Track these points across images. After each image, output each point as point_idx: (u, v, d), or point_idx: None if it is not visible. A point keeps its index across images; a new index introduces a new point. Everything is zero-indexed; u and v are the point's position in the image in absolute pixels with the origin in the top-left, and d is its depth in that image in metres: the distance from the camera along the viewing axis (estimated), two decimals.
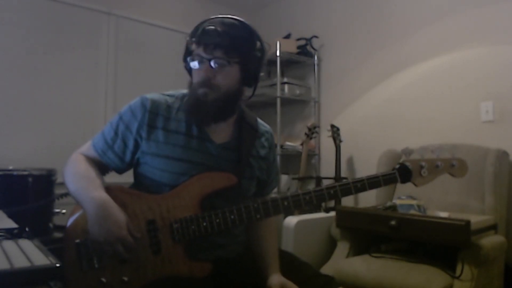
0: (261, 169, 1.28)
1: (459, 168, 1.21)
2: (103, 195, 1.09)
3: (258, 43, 1.17)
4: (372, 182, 1.15)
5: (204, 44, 1.10)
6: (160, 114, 1.17)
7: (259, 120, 1.33)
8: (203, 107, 1.12)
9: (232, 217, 1.12)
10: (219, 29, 1.10)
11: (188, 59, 1.14)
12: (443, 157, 1.20)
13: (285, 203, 1.13)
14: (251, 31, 1.16)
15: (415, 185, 1.19)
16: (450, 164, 1.20)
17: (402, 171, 1.17)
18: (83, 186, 1.12)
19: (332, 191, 1.14)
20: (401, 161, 1.19)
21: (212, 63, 1.10)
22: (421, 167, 1.18)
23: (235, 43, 1.11)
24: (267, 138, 1.32)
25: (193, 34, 1.13)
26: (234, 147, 1.22)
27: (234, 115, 1.22)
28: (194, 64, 1.13)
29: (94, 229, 1.05)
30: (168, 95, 1.22)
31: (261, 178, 1.29)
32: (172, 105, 1.19)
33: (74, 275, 1.10)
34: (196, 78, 1.13)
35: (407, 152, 1.19)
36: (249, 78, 1.17)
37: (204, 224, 1.11)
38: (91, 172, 1.16)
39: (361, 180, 1.15)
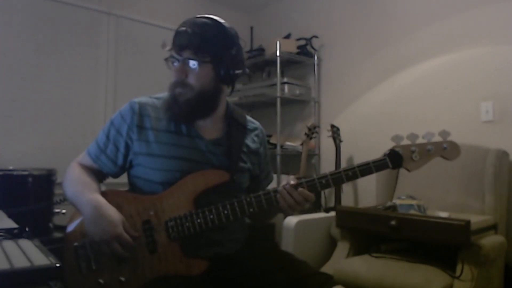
0: (253, 164, 1.31)
1: (451, 150, 1.20)
2: (97, 197, 1.13)
3: (233, 42, 1.20)
4: (363, 170, 1.15)
5: (175, 45, 1.16)
6: (148, 115, 1.21)
7: (248, 117, 1.37)
8: (178, 106, 1.17)
9: (226, 212, 1.14)
10: (189, 30, 1.14)
11: (165, 60, 1.20)
12: (434, 141, 1.19)
13: (278, 195, 1.14)
14: (225, 30, 1.19)
15: (408, 170, 1.18)
16: (441, 147, 1.19)
17: (392, 157, 1.16)
18: (78, 190, 1.16)
19: (323, 181, 1.14)
20: (391, 147, 1.19)
21: (183, 64, 1.16)
22: (412, 152, 1.17)
23: (205, 43, 1.15)
24: (257, 134, 1.36)
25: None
26: (224, 143, 1.25)
27: (214, 112, 1.24)
28: (169, 65, 1.19)
29: (90, 229, 1.08)
30: (155, 98, 1.27)
31: (253, 172, 1.32)
32: (159, 106, 1.24)
33: (73, 278, 1.12)
34: (172, 79, 1.19)
35: (397, 138, 1.19)
36: (225, 76, 1.19)
37: (199, 220, 1.13)
38: (86, 177, 1.21)
39: (352, 168, 1.15)
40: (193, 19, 1.19)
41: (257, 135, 1.36)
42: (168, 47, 1.19)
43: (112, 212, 1.09)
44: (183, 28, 1.16)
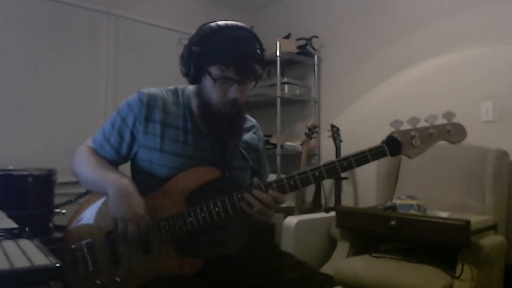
0: (253, 160, 1.32)
1: (456, 132, 1.11)
2: (125, 178, 1.13)
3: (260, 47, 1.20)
4: (358, 159, 1.10)
5: (235, 67, 1.10)
6: (157, 107, 1.19)
7: (245, 115, 1.36)
8: (227, 122, 1.16)
9: (217, 209, 1.13)
10: (250, 53, 1.11)
11: (210, 77, 1.12)
12: (437, 124, 1.11)
13: (269, 190, 1.13)
14: (258, 40, 1.17)
15: (408, 156, 1.10)
16: (445, 130, 1.11)
17: (390, 144, 1.10)
18: (101, 170, 1.16)
19: (317, 173, 1.11)
20: (389, 133, 1.13)
21: (242, 84, 1.13)
22: (412, 137, 1.09)
23: (259, 61, 1.14)
24: (255, 131, 1.37)
25: (211, 51, 1.11)
26: (225, 140, 1.23)
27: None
28: (219, 85, 1.12)
29: (116, 205, 1.08)
30: (165, 89, 1.25)
31: (254, 168, 1.33)
32: (168, 99, 1.22)
33: (71, 279, 1.13)
34: (220, 97, 1.14)
35: (397, 124, 1.11)
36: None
37: (190, 219, 1.12)
38: (102, 159, 1.22)
39: (346, 158, 1.09)
40: (239, 35, 1.12)
41: (255, 132, 1.36)
42: (216, 64, 1.11)
43: (138, 195, 1.10)
44: (241, 51, 1.10)
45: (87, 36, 2.94)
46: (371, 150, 1.11)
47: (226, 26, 1.13)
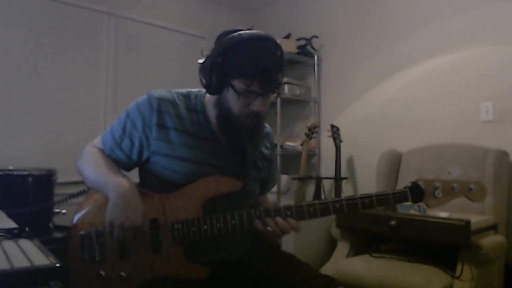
0: (265, 170, 1.30)
1: (477, 192, 1.15)
2: (127, 182, 1.11)
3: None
4: (381, 199, 1.11)
5: (260, 81, 1.08)
6: (168, 112, 1.16)
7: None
8: (248, 133, 1.15)
9: (233, 222, 1.12)
10: (277, 67, 1.09)
11: (233, 90, 1.09)
12: (460, 179, 1.14)
13: (288, 213, 1.12)
14: (281, 48, 1.14)
15: (428, 206, 1.15)
16: (467, 188, 1.15)
17: (414, 190, 1.13)
18: (105, 172, 1.14)
19: (338, 205, 1.11)
20: (414, 179, 1.15)
21: (265, 97, 1.12)
22: (435, 188, 1.13)
23: (282, 72, 1.13)
24: (269, 139, 1.34)
25: (235, 64, 1.07)
26: (241, 150, 1.22)
27: None
28: (243, 97, 1.10)
29: (115, 211, 1.07)
30: (175, 93, 1.21)
31: (264, 178, 1.31)
32: (180, 104, 1.19)
33: (76, 265, 1.12)
34: (243, 110, 1.12)
35: (422, 171, 1.14)
36: None
37: (205, 227, 1.12)
38: (108, 160, 1.19)
39: (369, 196, 1.11)
40: (269, 48, 1.09)
41: (269, 141, 1.34)
42: (241, 77, 1.08)
43: (139, 201, 1.09)
44: (269, 65, 1.08)
45: (87, 36, 2.94)
46: (394, 193, 1.13)
47: (250, 37, 1.08)
